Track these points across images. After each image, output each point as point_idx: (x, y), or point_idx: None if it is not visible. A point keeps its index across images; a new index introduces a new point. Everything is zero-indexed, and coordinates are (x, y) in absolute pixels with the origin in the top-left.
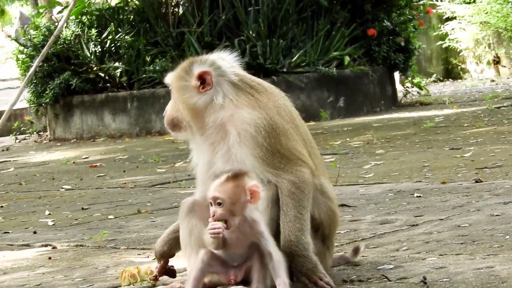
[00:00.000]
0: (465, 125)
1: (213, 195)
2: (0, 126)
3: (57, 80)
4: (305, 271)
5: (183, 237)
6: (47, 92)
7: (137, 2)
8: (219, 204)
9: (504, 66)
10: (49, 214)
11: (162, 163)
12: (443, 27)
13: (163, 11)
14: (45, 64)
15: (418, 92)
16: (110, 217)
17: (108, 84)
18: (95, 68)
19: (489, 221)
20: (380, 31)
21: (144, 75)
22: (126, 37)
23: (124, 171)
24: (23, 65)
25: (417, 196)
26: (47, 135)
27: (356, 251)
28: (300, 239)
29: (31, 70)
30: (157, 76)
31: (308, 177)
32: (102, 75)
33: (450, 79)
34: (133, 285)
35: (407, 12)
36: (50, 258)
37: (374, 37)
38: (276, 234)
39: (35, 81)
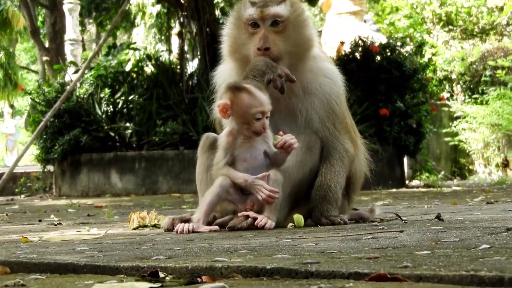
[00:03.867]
0: (474, 192)
1: (270, 108)
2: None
3: (67, 136)
4: (327, 216)
5: (199, 172)
6: (55, 147)
7: (152, 68)
8: (267, 116)
9: None
10: (54, 218)
11: (168, 206)
12: (454, 126)
13: (178, 78)
14: (56, 120)
15: (427, 176)
16: (116, 216)
17: (118, 144)
18: (105, 127)
19: (503, 213)
20: (392, 112)
21: (154, 137)
22: (139, 99)
23: (130, 209)
24: (34, 122)
25: (427, 207)
26: (52, 193)
27: (371, 210)
28: (336, 189)
29: (42, 123)
30: (167, 138)
31: (353, 152)
32: (112, 134)
33: (458, 177)
34: (142, 226)
35: (420, 95)
36: (56, 225)
37: (386, 117)
38: (301, 177)
39: (44, 136)
